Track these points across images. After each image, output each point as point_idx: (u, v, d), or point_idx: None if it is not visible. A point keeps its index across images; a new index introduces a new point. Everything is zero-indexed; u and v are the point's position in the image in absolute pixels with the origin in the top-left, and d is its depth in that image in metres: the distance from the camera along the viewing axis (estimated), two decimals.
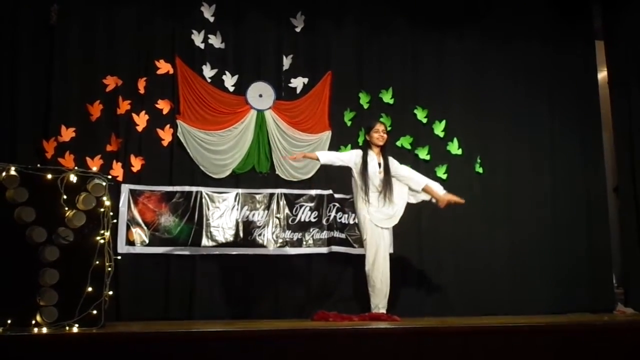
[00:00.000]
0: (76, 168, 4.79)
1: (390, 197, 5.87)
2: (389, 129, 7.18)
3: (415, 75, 7.56)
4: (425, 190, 6.03)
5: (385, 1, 7.55)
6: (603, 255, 7.84)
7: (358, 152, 6.00)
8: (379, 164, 5.94)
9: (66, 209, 4.52)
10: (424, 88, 7.54)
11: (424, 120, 7.44)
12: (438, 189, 6.08)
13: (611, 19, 8.21)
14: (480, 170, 7.52)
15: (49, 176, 4.54)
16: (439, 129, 7.40)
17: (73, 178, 4.58)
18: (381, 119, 7.16)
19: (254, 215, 6.85)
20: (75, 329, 4.35)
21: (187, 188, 6.71)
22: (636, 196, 7.70)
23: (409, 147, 7.26)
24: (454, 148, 7.35)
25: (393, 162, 6.03)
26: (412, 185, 6.03)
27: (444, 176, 7.30)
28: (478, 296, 7.18)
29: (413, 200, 6.10)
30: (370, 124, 6.05)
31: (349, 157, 5.96)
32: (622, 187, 7.99)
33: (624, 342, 4.48)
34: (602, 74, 8.39)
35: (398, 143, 7.21)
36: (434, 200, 6.08)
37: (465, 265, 7.29)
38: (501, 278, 7.36)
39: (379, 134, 5.97)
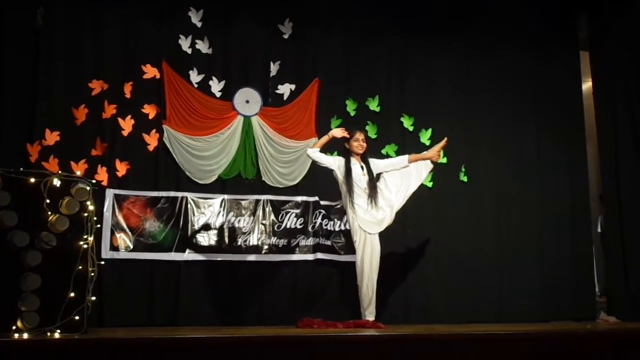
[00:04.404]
0: (60, 172, 4.75)
1: (376, 199, 5.92)
2: (374, 136, 7.23)
3: (402, 83, 7.59)
4: (411, 160, 6.18)
5: (373, 10, 7.56)
6: (586, 264, 7.88)
7: (341, 158, 6.07)
8: (362, 167, 6.01)
9: (49, 213, 4.49)
10: (411, 96, 7.56)
11: (410, 128, 7.46)
12: (422, 154, 6.31)
13: (596, 30, 8.28)
14: (465, 179, 7.55)
15: (32, 180, 4.51)
16: (425, 137, 7.41)
17: (56, 182, 4.55)
18: (367, 127, 7.19)
19: (239, 221, 6.83)
20: (57, 335, 4.32)
21: (172, 193, 6.69)
22: (620, 206, 7.74)
23: (394, 155, 7.26)
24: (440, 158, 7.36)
25: (373, 161, 6.14)
26: (399, 166, 6.16)
27: (430, 184, 7.32)
28: (463, 304, 7.18)
29: (420, 181, 6.25)
30: (351, 133, 6.08)
31: (333, 161, 6.05)
32: (606, 196, 8.03)
33: (607, 351, 4.50)
34: (587, 85, 8.46)
35: (384, 151, 7.22)
36: (430, 164, 6.24)
37: (450, 273, 7.31)
38: (485, 286, 7.37)
39: (359, 142, 6.05)
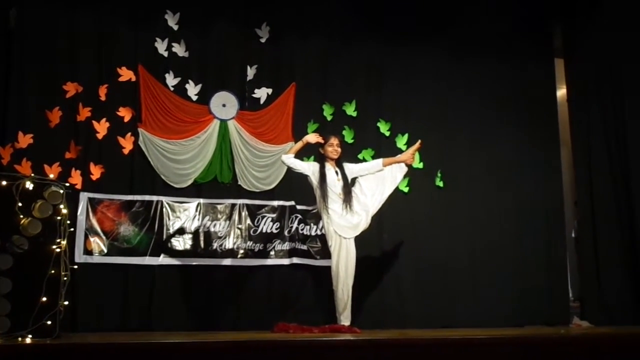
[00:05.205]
0: (33, 175, 4.69)
1: (351, 204, 5.94)
2: (351, 141, 7.24)
3: (379, 88, 7.61)
4: (386, 164, 6.21)
5: (350, 14, 7.58)
6: (560, 269, 7.95)
7: (315, 164, 6.10)
8: (336, 172, 6.03)
9: (21, 216, 4.43)
10: (388, 101, 7.59)
11: (387, 134, 7.48)
12: (396, 157, 6.35)
13: (571, 38, 8.37)
14: (441, 184, 7.58)
15: (4, 183, 4.44)
16: (401, 142, 7.44)
17: (29, 185, 4.49)
18: (344, 132, 7.20)
19: (215, 225, 6.80)
20: (28, 340, 4.25)
21: (147, 197, 6.64)
22: (593, 212, 7.82)
23: (370, 160, 7.28)
24: (415, 162, 7.37)
25: (347, 166, 6.15)
26: (373, 170, 6.19)
27: (406, 189, 7.34)
28: (438, 308, 7.21)
29: (395, 184, 6.26)
30: (325, 138, 6.09)
31: (307, 166, 6.08)
32: (580, 202, 8.11)
33: (580, 355, 4.54)
34: (562, 91, 8.55)
35: (360, 156, 7.22)
36: (405, 167, 6.26)
37: (425, 278, 7.33)
38: (460, 291, 7.40)
39: (333, 147, 6.07)
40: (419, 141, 6.34)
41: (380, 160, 6.26)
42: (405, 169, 6.32)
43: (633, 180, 7.53)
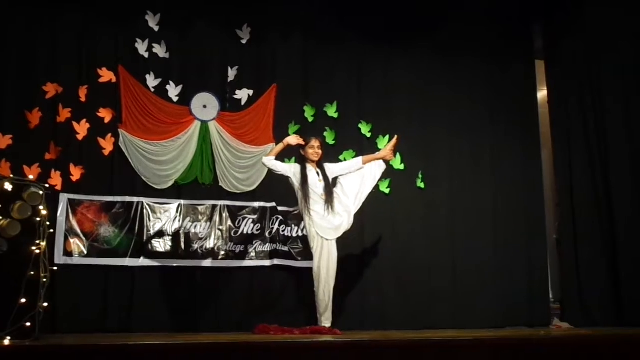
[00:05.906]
0: (12, 176, 4.65)
1: (333, 205, 5.95)
2: (333, 142, 7.25)
3: (360, 89, 7.62)
4: (366, 161, 6.24)
5: (332, 15, 7.59)
6: (541, 270, 8.00)
7: (296, 165, 6.10)
8: (318, 173, 6.04)
9: (0, 217, 4.38)
10: (369, 103, 7.61)
11: (368, 135, 7.50)
12: (375, 154, 6.38)
13: (551, 40, 8.43)
14: (422, 185, 7.61)
15: None
16: (382, 143, 7.45)
17: (8, 186, 4.46)
18: (325, 133, 7.21)
19: (196, 226, 6.78)
20: (6, 342, 4.22)
21: (127, 198, 6.61)
22: (574, 213, 7.88)
23: None
24: (397, 163, 7.40)
25: (328, 166, 6.16)
26: (354, 168, 6.20)
27: (387, 190, 7.37)
28: (419, 310, 7.24)
29: (374, 182, 6.29)
30: (306, 140, 6.10)
31: (288, 168, 6.08)
32: (561, 203, 8.16)
33: (560, 357, 4.57)
34: (542, 93, 8.61)
35: (341, 157, 7.22)
36: (383, 164, 6.29)
37: (406, 279, 7.35)
38: (441, 292, 7.43)
39: (314, 150, 6.07)
40: (396, 136, 6.36)
41: (359, 159, 6.27)
42: (384, 166, 6.34)
43: (614, 182, 7.58)
